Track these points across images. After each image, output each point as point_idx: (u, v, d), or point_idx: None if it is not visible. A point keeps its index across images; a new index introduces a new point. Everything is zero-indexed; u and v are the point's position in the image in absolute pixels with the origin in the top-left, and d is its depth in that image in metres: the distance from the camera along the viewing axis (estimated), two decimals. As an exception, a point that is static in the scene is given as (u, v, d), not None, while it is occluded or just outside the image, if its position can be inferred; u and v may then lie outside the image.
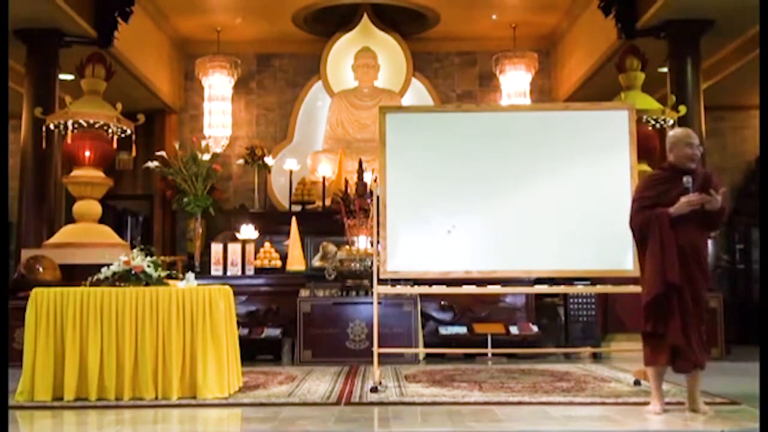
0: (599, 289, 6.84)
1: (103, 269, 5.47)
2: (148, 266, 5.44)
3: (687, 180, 4.52)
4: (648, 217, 4.56)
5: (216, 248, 8.40)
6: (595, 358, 7.65)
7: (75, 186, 8.26)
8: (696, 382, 4.61)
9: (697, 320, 4.49)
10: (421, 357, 7.45)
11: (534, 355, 7.60)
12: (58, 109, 8.31)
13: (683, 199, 4.47)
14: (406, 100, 11.44)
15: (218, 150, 10.78)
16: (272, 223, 9.98)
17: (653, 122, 8.40)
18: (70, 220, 8.47)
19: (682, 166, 4.60)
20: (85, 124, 7.98)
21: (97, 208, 8.35)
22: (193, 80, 11.68)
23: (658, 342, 4.50)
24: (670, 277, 4.43)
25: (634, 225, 4.67)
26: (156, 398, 5.11)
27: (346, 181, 8.51)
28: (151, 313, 5.19)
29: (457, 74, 12.02)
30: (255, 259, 8.51)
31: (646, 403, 4.90)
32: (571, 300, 7.97)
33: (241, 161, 11.05)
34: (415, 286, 6.65)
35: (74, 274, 7.12)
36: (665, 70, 8.94)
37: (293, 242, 8.63)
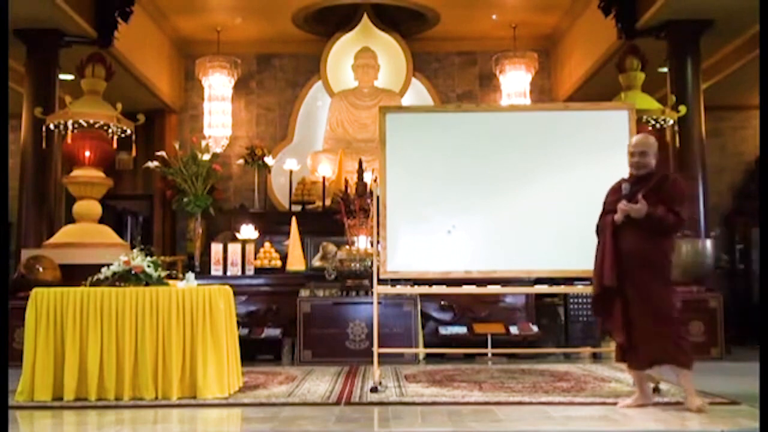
0: (599, 289, 6.82)
1: (103, 269, 5.47)
2: (148, 266, 5.44)
3: (625, 187, 4.76)
4: (599, 223, 4.88)
5: (216, 248, 8.40)
6: (595, 358, 7.64)
7: (75, 186, 8.26)
8: (682, 381, 4.69)
9: (646, 320, 4.60)
10: (421, 357, 7.45)
11: (534, 355, 7.60)
12: (58, 109, 8.31)
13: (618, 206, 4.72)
14: (406, 100, 11.44)
15: (218, 150, 10.78)
16: (272, 223, 9.98)
17: (653, 122, 8.39)
18: (70, 220, 8.47)
19: (633, 173, 4.82)
20: (85, 124, 7.97)
21: (97, 208, 8.35)
22: (193, 80, 11.68)
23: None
24: (606, 281, 4.70)
25: (596, 231, 4.95)
26: (156, 398, 5.11)
27: (346, 181, 8.51)
28: (151, 313, 5.19)
29: (457, 74, 12.02)
30: (255, 259, 8.51)
31: (646, 404, 4.91)
32: (571, 300, 7.97)
33: (241, 161, 11.06)
34: (415, 286, 6.64)
35: (74, 274, 7.11)
36: (665, 70, 8.93)
37: (293, 242, 8.63)
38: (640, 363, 4.71)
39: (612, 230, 4.74)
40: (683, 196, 4.76)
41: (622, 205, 4.67)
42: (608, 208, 4.85)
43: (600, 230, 4.87)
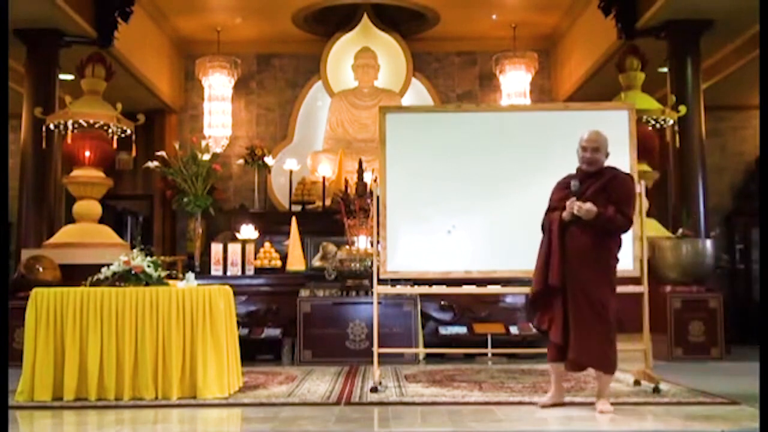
0: (599, 289, 6.82)
1: (103, 269, 5.47)
2: (148, 266, 5.43)
3: (574, 184, 4.69)
4: (545, 220, 4.82)
5: (216, 248, 8.39)
6: (595, 358, 7.63)
7: (75, 186, 8.26)
8: (599, 382, 4.71)
9: (583, 320, 4.57)
10: (421, 357, 7.44)
11: (534, 355, 7.57)
12: (58, 109, 8.31)
13: (566, 204, 4.66)
14: (406, 100, 11.44)
15: (218, 150, 10.78)
16: (272, 223, 9.98)
17: (653, 122, 8.40)
18: (70, 220, 8.47)
19: (582, 169, 4.76)
20: (85, 124, 7.98)
21: (97, 208, 8.35)
22: (193, 80, 11.68)
23: (548, 339, 4.74)
24: (551, 280, 4.64)
25: (541, 227, 4.88)
26: (156, 398, 5.11)
27: (346, 181, 8.51)
28: (151, 313, 5.19)
29: (457, 74, 12.02)
30: (255, 259, 8.50)
31: (646, 404, 4.91)
32: (571, 300, 7.95)
33: (241, 161, 11.06)
34: (415, 286, 6.64)
35: (74, 274, 7.11)
36: (665, 70, 8.94)
37: (293, 242, 8.63)
38: (572, 365, 4.71)
39: (559, 228, 4.69)
40: (631, 196, 4.73)
41: (573, 204, 4.60)
42: (555, 204, 4.79)
43: (546, 227, 4.80)
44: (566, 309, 4.64)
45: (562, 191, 4.79)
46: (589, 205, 4.57)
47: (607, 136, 4.79)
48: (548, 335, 4.75)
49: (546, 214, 4.85)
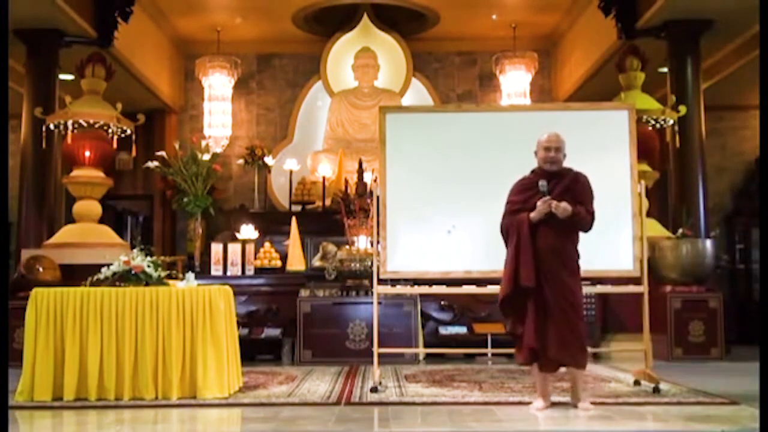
0: (599, 289, 6.83)
1: (103, 269, 5.47)
2: (148, 266, 5.44)
3: (542, 184, 4.67)
4: (510, 222, 4.76)
5: (216, 248, 8.39)
6: (595, 358, 7.64)
7: (75, 186, 8.26)
8: (573, 379, 4.73)
9: (563, 318, 4.56)
10: (421, 357, 7.45)
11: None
12: (58, 109, 8.31)
13: (538, 204, 4.63)
14: (406, 100, 11.44)
15: (218, 150, 10.78)
16: (272, 223, 9.97)
17: (653, 122, 8.40)
18: (70, 220, 8.47)
19: (545, 169, 4.76)
20: (85, 124, 7.98)
21: (97, 208, 8.35)
22: (193, 80, 11.68)
23: (519, 342, 4.70)
24: (524, 281, 4.58)
25: (501, 229, 4.84)
26: (156, 398, 5.11)
27: (346, 181, 8.52)
28: (151, 313, 5.19)
29: (457, 74, 12.02)
30: (255, 259, 8.51)
31: (646, 404, 4.91)
32: (571, 300, 7.94)
33: (241, 161, 11.07)
34: (415, 286, 6.64)
35: (74, 274, 7.12)
36: (665, 70, 8.94)
37: (293, 242, 8.63)
38: (549, 366, 4.68)
39: (528, 228, 4.65)
40: (593, 195, 4.77)
41: (550, 203, 4.58)
42: (519, 206, 4.74)
43: (513, 229, 4.72)
44: (539, 310, 4.60)
45: (524, 193, 4.77)
46: (565, 204, 4.59)
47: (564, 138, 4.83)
48: (521, 339, 4.67)
49: (506, 216, 4.80)
